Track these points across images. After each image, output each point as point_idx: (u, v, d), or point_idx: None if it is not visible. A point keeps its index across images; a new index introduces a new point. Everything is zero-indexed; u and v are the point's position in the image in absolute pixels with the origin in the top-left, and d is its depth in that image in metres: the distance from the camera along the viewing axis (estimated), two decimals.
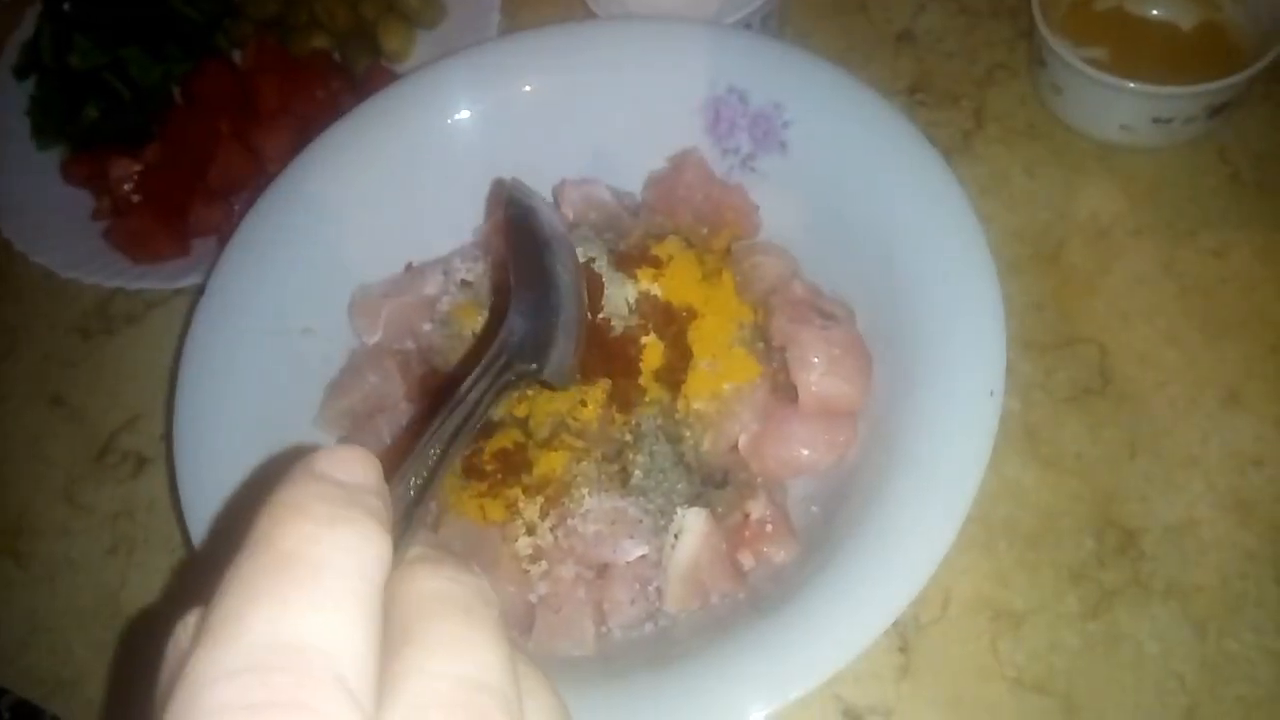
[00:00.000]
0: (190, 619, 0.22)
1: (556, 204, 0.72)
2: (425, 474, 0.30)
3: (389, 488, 0.24)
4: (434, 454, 0.32)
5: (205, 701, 0.18)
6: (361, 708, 0.19)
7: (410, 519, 0.28)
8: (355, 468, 0.23)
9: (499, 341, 0.43)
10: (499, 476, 0.60)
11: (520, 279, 0.48)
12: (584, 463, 0.60)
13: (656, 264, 0.65)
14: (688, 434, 0.62)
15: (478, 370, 0.38)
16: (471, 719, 0.20)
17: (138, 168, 0.84)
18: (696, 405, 0.62)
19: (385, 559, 0.22)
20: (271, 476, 0.22)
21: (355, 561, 0.21)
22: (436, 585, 0.23)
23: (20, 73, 0.91)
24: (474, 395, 0.36)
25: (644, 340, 0.63)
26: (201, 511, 0.58)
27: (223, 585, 0.20)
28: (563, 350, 0.45)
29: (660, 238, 0.67)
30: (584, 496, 0.59)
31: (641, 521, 0.58)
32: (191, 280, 0.78)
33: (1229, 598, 0.61)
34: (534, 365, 0.44)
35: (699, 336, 0.63)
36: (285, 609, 0.20)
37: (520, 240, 0.51)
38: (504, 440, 0.61)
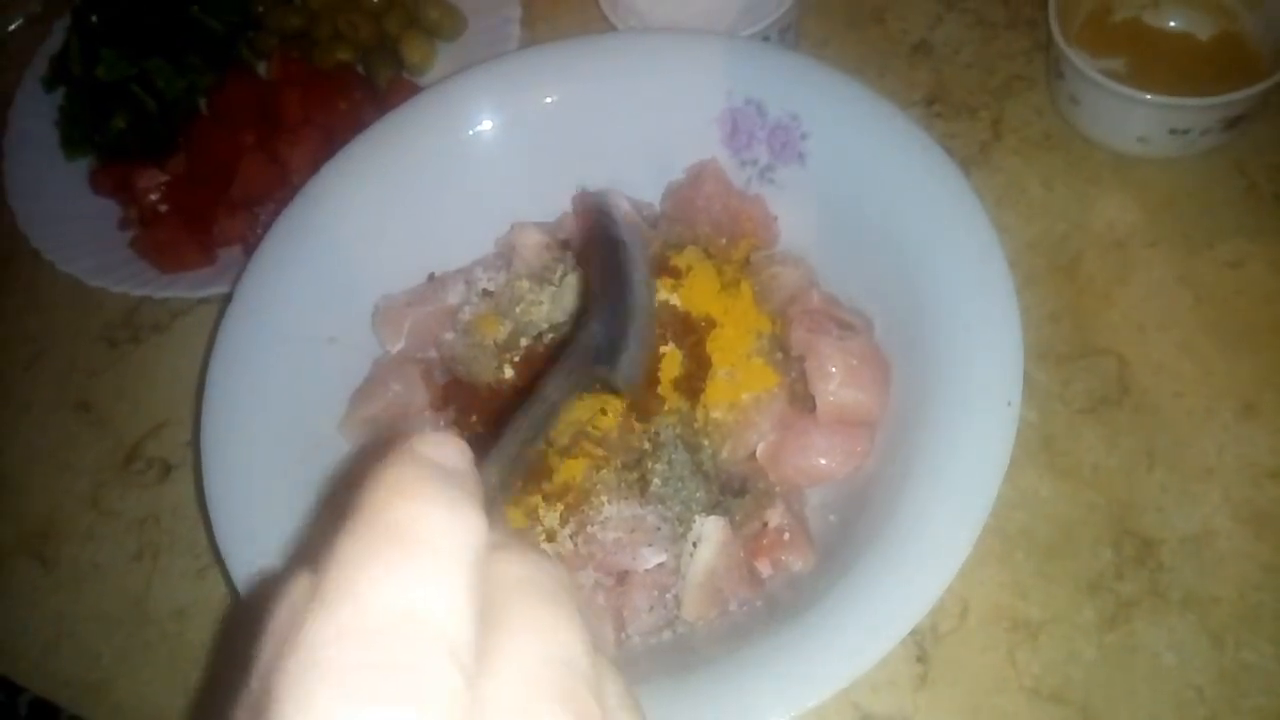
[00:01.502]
0: (303, 579, 0.23)
1: (575, 215, 0.73)
2: (506, 466, 0.32)
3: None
4: (514, 449, 0.33)
5: (323, 659, 0.20)
6: (466, 675, 0.20)
7: (493, 506, 0.30)
8: (452, 453, 0.25)
9: (580, 344, 0.44)
10: (519, 484, 0.61)
11: (600, 284, 0.50)
12: (603, 471, 0.61)
13: (676, 274, 0.66)
14: (706, 443, 0.62)
15: (560, 369, 0.40)
16: (562, 696, 0.22)
17: (164, 178, 0.85)
18: (715, 414, 0.63)
19: (484, 537, 0.23)
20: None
21: (459, 538, 0.22)
22: (523, 571, 0.24)
23: (49, 84, 0.93)
24: (554, 395, 0.37)
25: (663, 350, 0.63)
26: (227, 517, 0.59)
27: (335, 552, 0.22)
28: (634, 354, 0.47)
29: (679, 248, 0.68)
30: (603, 504, 0.60)
31: (660, 529, 0.59)
32: (217, 289, 0.79)
33: (1246, 609, 0.61)
34: (607, 367, 0.45)
35: (718, 346, 0.64)
36: (398, 578, 0.21)
37: (601, 246, 0.52)
38: None
